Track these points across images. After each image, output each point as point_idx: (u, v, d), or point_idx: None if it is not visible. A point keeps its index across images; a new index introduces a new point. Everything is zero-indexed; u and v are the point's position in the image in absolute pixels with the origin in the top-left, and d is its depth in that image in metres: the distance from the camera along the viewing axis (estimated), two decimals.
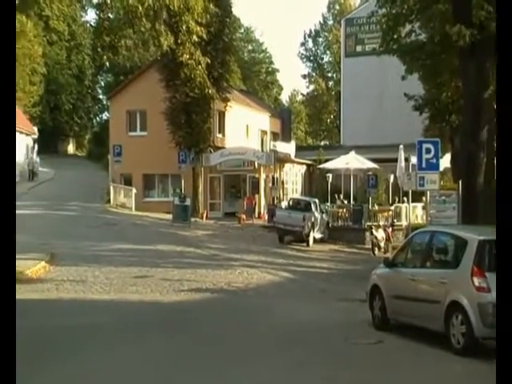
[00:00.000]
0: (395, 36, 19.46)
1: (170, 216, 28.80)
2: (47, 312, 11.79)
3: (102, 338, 9.52)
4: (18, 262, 16.91)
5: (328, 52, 69.79)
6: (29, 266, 16.02)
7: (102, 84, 67.61)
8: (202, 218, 30.89)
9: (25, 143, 45.17)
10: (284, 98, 77.78)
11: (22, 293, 13.21)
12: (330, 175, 29.77)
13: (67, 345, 9.03)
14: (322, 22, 69.78)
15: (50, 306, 12.47)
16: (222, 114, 34.91)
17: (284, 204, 28.78)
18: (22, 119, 46.10)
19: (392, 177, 28.05)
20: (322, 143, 60.19)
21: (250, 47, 74.58)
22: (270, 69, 75.03)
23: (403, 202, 27.33)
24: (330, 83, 69.23)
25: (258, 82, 71.81)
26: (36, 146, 47.73)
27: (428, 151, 15.34)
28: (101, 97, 67.59)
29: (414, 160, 23.11)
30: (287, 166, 35.69)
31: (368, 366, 8.13)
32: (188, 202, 28.53)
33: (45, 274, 15.87)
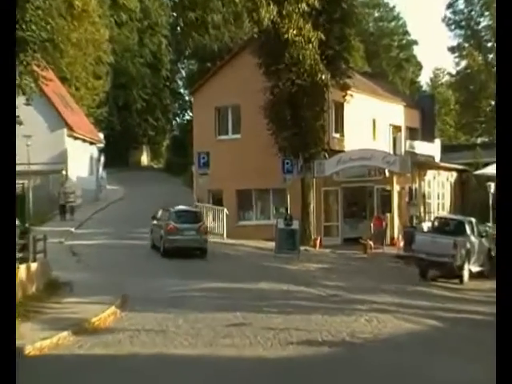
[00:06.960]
0: None
1: (272, 244, 29.11)
2: (119, 373, 12.31)
3: None
4: (82, 307, 17.97)
5: (487, 13, 68.06)
6: (96, 312, 16.84)
7: (184, 74, 69.81)
8: (314, 245, 31.03)
9: (88, 154, 46.45)
10: (424, 80, 77.05)
11: (87, 348, 13.95)
12: (492, 184, 28.97)
13: None
14: None
15: (122, 364, 13.01)
16: (339, 107, 35.03)
17: (427, 225, 28.33)
18: (84, 124, 47.63)
19: None
20: (480, 141, 58.69)
21: (376, 14, 74.48)
22: (404, 42, 74.55)
23: None
24: (490, 56, 67.42)
25: (388, 61, 71.52)
26: (102, 158, 49.40)
27: None
28: (182, 91, 70.10)
29: None
30: (430, 173, 35.14)
31: None
32: (296, 225, 28.76)
33: (115, 323, 16.57)
